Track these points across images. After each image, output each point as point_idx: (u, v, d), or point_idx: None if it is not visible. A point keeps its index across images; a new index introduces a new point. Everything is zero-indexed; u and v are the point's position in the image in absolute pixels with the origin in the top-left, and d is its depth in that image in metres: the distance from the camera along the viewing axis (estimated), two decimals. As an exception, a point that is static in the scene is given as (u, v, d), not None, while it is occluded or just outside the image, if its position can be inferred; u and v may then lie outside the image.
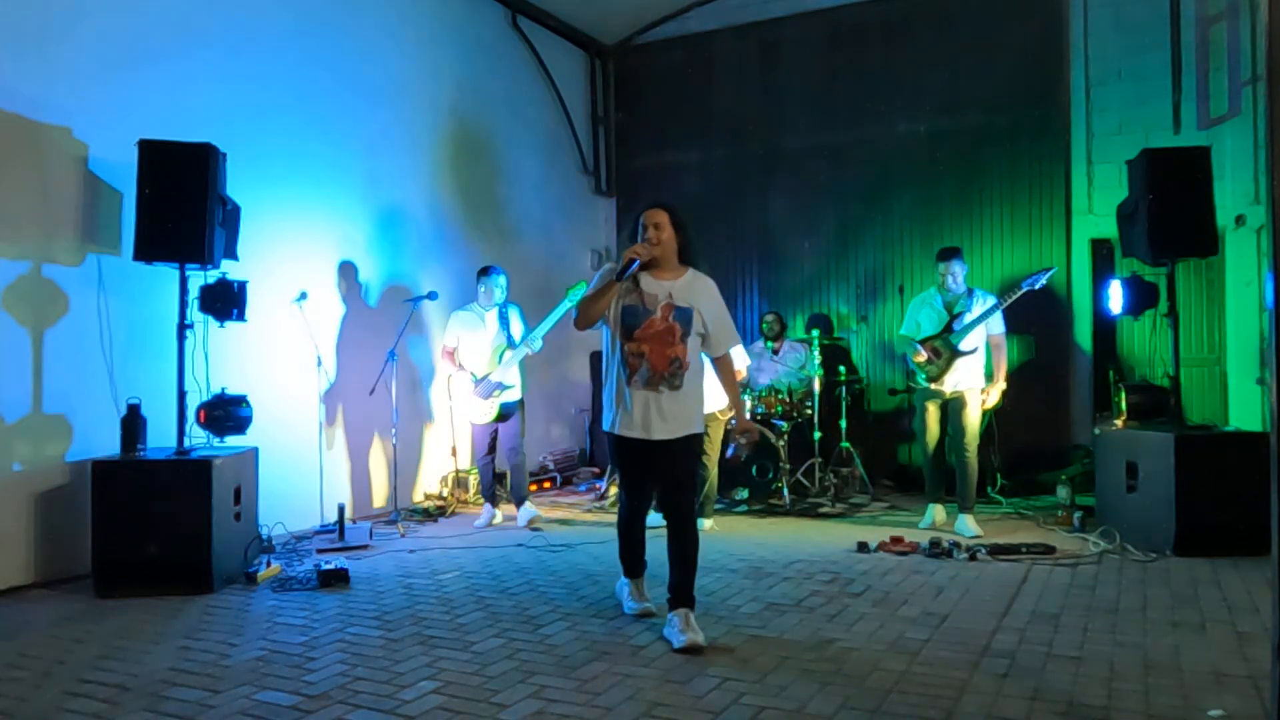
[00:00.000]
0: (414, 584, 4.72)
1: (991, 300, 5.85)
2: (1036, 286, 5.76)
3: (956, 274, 5.93)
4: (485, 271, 6.42)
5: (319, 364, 6.34)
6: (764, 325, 7.84)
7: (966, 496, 5.84)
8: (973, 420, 5.82)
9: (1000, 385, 5.90)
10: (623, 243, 3.87)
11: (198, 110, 5.46)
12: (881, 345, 8.37)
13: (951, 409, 5.87)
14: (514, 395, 6.33)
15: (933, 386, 5.89)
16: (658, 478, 3.87)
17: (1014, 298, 5.79)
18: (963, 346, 5.74)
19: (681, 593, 3.70)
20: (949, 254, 6.00)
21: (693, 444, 3.88)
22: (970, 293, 5.93)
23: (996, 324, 5.88)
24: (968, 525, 5.74)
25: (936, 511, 6.06)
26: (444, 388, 7.13)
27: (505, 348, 6.26)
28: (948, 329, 5.81)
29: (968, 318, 5.77)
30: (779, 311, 8.09)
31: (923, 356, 5.89)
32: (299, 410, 6.22)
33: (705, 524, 6.05)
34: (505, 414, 6.32)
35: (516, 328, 6.38)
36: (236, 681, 3.28)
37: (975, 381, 5.83)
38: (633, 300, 3.76)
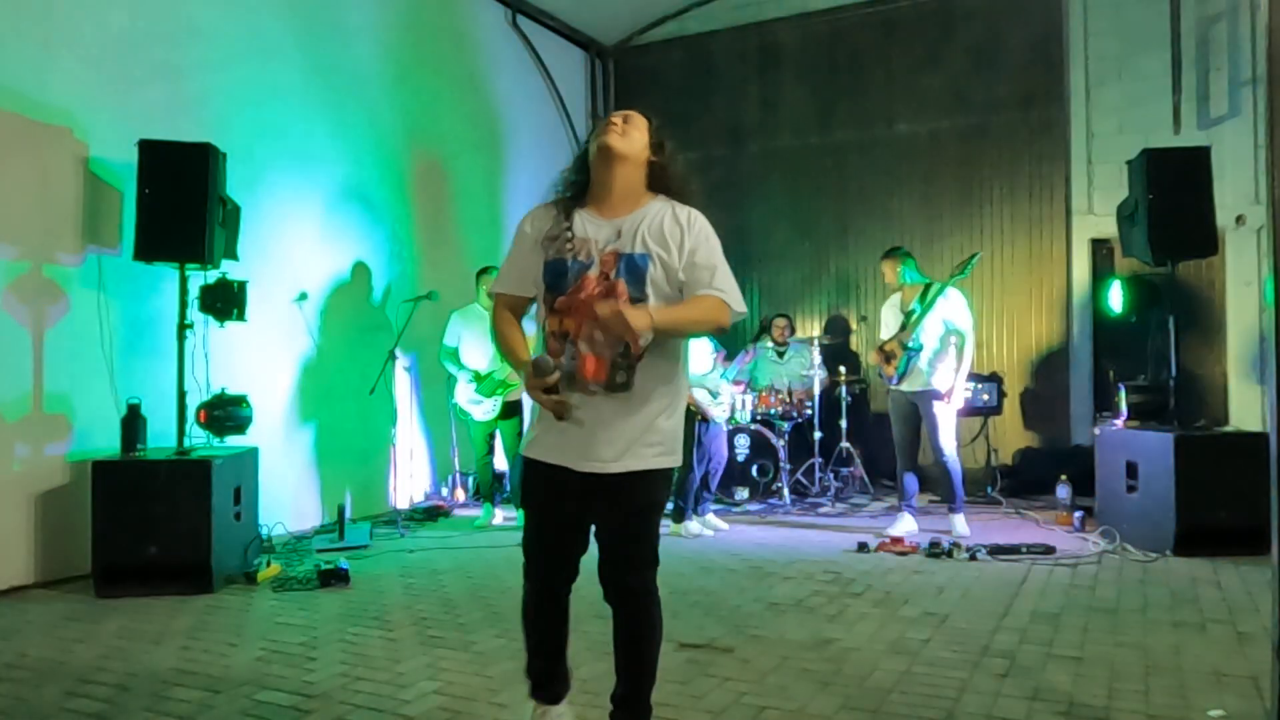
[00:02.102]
0: (414, 584, 4.72)
1: (940, 293, 5.73)
2: (965, 275, 5.67)
3: (886, 274, 5.95)
4: (485, 271, 6.43)
5: (319, 363, 6.34)
6: (773, 327, 7.83)
7: (952, 497, 5.78)
8: (941, 419, 5.69)
9: (959, 386, 5.72)
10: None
11: (198, 110, 5.45)
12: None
13: (920, 410, 5.77)
14: (515, 394, 6.34)
15: (893, 388, 5.84)
16: (587, 538, 2.52)
17: (945, 288, 5.67)
18: (911, 344, 5.66)
19: (629, 708, 2.53)
20: (883, 255, 6.06)
21: (652, 488, 2.44)
22: (926, 288, 5.80)
23: (960, 319, 5.68)
24: (957, 525, 5.71)
25: (905, 521, 5.80)
26: (444, 387, 7.12)
27: None
28: (902, 327, 5.78)
29: (915, 316, 5.71)
30: (787, 315, 8.07)
31: (875, 359, 5.91)
32: (299, 410, 6.22)
33: (688, 527, 5.94)
34: (506, 413, 6.33)
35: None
36: (236, 681, 3.28)
37: (937, 380, 5.69)
38: (560, 252, 2.40)
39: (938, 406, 5.70)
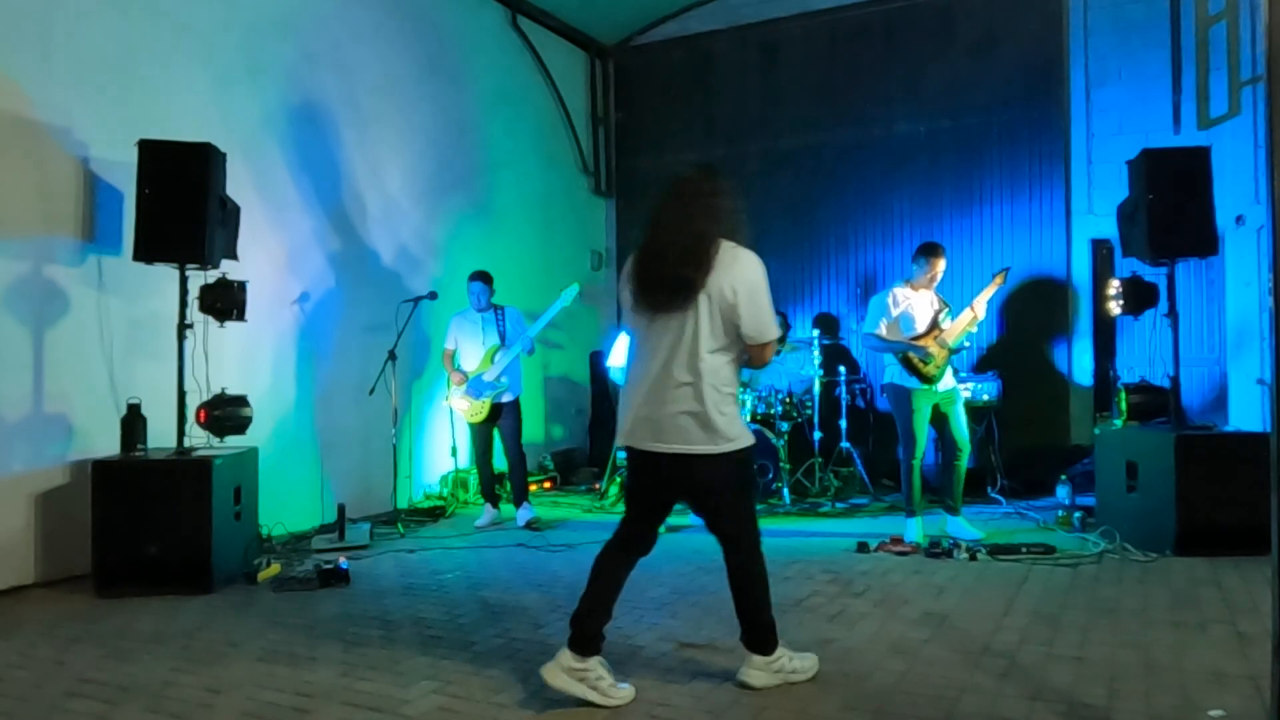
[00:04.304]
0: (414, 584, 4.72)
1: (945, 302, 5.76)
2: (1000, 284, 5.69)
3: (939, 269, 5.67)
4: (471, 277, 6.43)
5: (319, 363, 6.34)
6: None
7: (959, 498, 5.72)
8: (966, 419, 5.75)
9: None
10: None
11: (198, 110, 5.45)
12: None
13: (945, 409, 5.66)
14: (508, 395, 6.34)
15: (925, 387, 5.59)
16: None
17: (990, 293, 5.70)
18: (954, 344, 5.60)
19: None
20: (939, 250, 5.71)
21: None
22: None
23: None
24: (965, 528, 5.62)
25: (919, 526, 5.63)
26: (444, 387, 7.13)
27: (496, 349, 6.29)
28: (935, 327, 5.60)
29: (950, 315, 5.62)
30: (784, 313, 8.09)
31: (935, 352, 5.53)
32: (299, 410, 6.22)
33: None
34: (499, 414, 6.33)
35: (512, 329, 6.39)
36: (236, 681, 3.28)
37: (954, 380, 5.75)
38: None
39: (961, 405, 5.72)
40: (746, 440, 3.07)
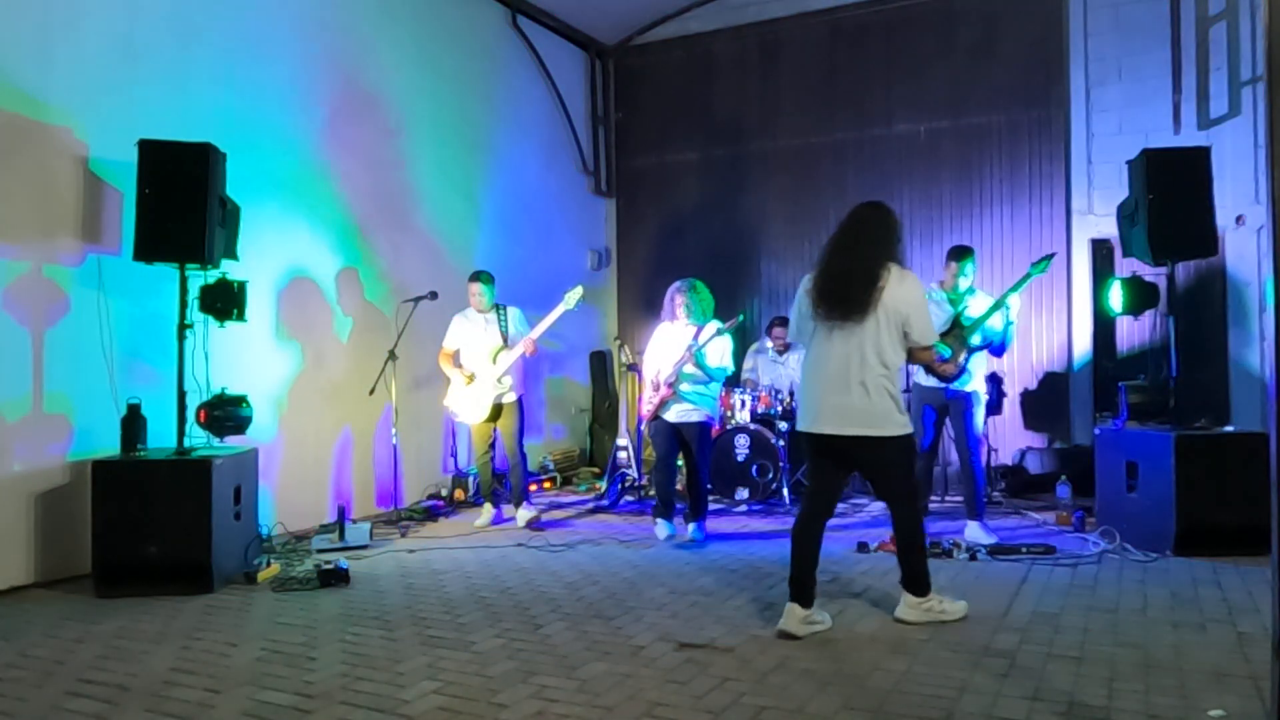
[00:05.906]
0: (414, 584, 4.72)
1: (989, 297, 5.65)
2: (1043, 272, 5.53)
3: (969, 275, 5.64)
4: (473, 277, 6.41)
5: (320, 364, 6.34)
6: (773, 335, 7.82)
7: (977, 502, 5.62)
8: (979, 420, 5.64)
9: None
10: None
11: (198, 110, 5.46)
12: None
13: (954, 410, 5.62)
14: (509, 395, 6.34)
15: (932, 384, 5.60)
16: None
17: (1023, 285, 5.53)
18: (974, 342, 5.50)
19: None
20: (966, 253, 5.66)
21: None
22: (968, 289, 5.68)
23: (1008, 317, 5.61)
24: (981, 533, 5.53)
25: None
26: (443, 388, 7.13)
27: (500, 349, 6.28)
28: (957, 326, 5.53)
29: (971, 313, 5.51)
30: (785, 316, 8.07)
31: (928, 357, 5.59)
32: (299, 410, 6.22)
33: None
34: (500, 413, 6.33)
35: (514, 329, 6.38)
36: (236, 681, 3.28)
37: (978, 382, 5.63)
38: None
39: (979, 406, 5.60)
40: (909, 428, 3.82)
